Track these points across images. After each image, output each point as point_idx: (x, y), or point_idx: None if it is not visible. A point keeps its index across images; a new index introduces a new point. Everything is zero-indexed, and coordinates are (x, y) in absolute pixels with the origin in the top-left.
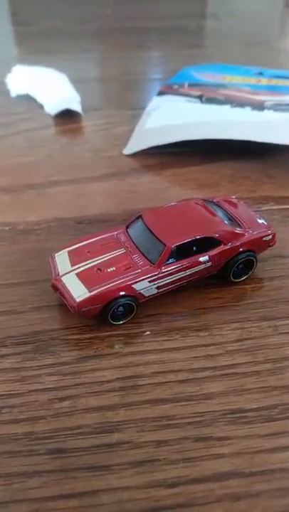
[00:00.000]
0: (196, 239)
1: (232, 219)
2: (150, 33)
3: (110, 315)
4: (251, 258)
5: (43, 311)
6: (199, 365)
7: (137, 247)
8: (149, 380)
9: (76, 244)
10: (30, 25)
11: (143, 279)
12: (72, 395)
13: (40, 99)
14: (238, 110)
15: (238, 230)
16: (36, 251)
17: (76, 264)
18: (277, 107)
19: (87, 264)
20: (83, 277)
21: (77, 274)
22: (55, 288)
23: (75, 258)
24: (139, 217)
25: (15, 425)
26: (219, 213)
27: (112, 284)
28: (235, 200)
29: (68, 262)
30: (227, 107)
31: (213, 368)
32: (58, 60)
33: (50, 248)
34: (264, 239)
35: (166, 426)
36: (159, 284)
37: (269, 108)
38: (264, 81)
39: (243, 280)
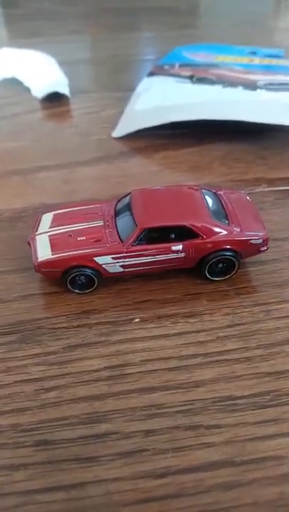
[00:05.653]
0: (171, 226)
1: (226, 214)
2: (140, 14)
3: (70, 282)
4: (230, 258)
5: (29, 299)
6: (189, 352)
7: (114, 223)
8: (137, 369)
9: (66, 208)
10: (17, 7)
11: (106, 254)
12: (59, 385)
13: (26, 83)
14: (229, 90)
15: (220, 227)
16: (23, 238)
17: (54, 227)
18: (269, 87)
19: (62, 229)
20: (54, 240)
21: (49, 236)
22: (29, 245)
23: (56, 221)
24: (129, 194)
25: (0, 417)
26: (212, 205)
27: (74, 253)
28: (242, 196)
29: (49, 223)
30: (219, 87)
31: (204, 354)
32: (45, 42)
33: None
34: (252, 242)
35: (155, 415)
36: (124, 264)
37: (261, 87)
38: (257, 60)
39: (221, 280)
